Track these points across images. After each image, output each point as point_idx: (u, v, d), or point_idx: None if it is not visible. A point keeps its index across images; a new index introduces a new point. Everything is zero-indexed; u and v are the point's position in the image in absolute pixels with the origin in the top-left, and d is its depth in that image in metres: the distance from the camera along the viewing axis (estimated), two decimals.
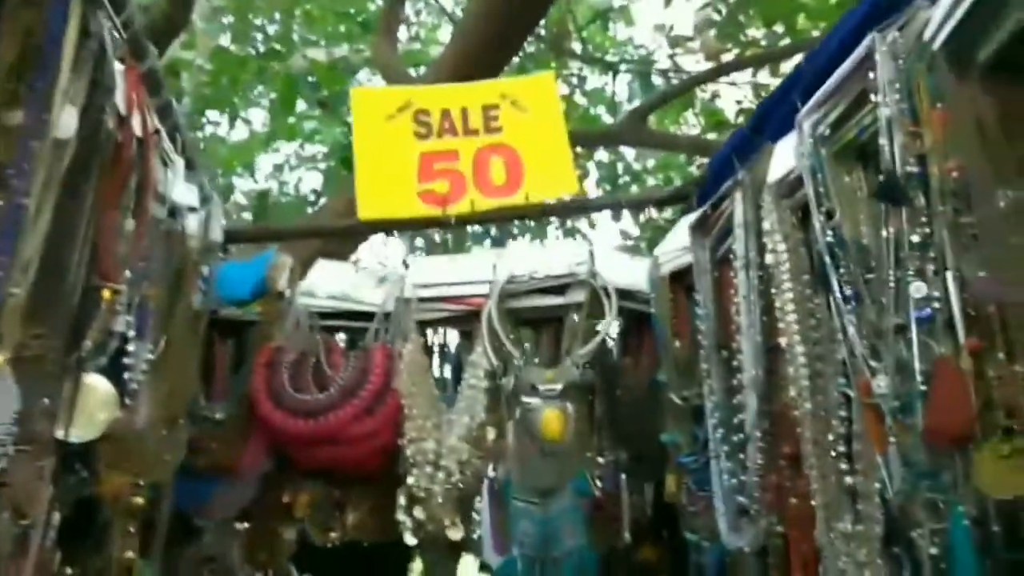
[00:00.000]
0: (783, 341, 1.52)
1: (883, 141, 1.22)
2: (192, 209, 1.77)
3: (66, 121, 1.14)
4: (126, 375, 1.40)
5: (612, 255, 2.21)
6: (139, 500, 1.53)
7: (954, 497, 1.10)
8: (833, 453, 1.40)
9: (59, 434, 1.25)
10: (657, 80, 5.68)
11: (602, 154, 6.46)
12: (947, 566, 1.09)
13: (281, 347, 2.01)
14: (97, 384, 1.30)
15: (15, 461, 1.06)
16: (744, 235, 1.68)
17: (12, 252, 1.02)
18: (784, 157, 1.64)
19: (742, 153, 1.81)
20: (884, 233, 1.24)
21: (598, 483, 1.94)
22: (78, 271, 1.25)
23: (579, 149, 5.87)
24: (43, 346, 1.14)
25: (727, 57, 4.52)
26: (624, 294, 2.09)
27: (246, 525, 2.12)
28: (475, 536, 2.83)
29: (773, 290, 1.58)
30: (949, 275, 1.14)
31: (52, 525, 1.25)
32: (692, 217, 1.96)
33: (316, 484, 2.07)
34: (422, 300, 2.12)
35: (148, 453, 1.56)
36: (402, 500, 1.93)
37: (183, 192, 1.74)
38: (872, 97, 1.29)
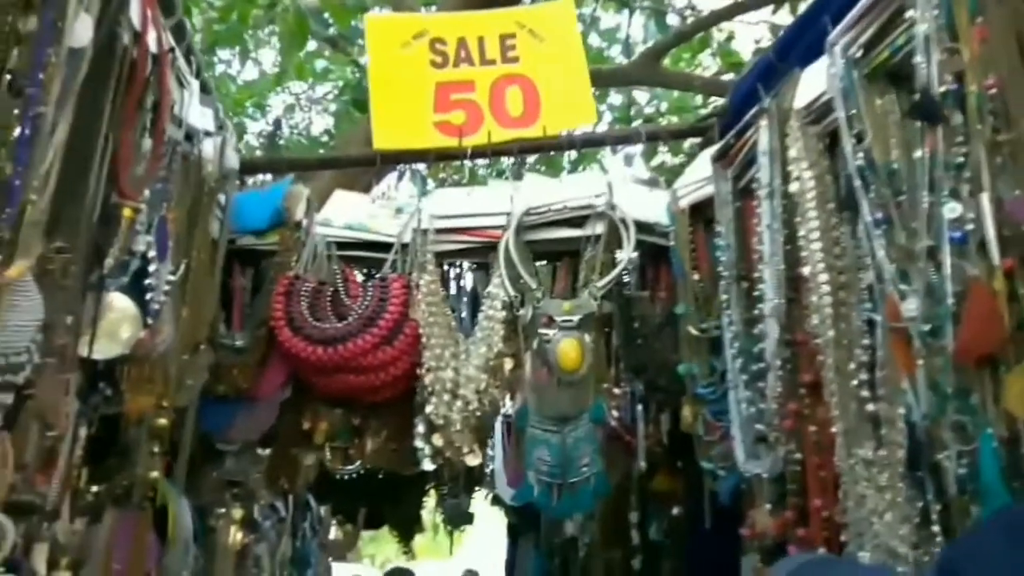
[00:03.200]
0: (807, 270, 1.50)
1: (919, 58, 1.18)
2: (208, 134, 1.75)
3: (80, 30, 1.11)
4: (148, 296, 1.40)
5: (631, 188, 2.18)
6: (163, 421, 1.55)
7: (982, 419, 1.09)
8: (855, 381, 1.39)
9: (83, 351, 1.25)
10: (673, 20, 5.53)
11: (615, 98, 6.34)
12: (974, 487, 1.09)
13: (299, 276, 2.01)
14: (120, 302, 1.30)
15: (41, 372, 1.07)
16: (769, 163, 1.65)
17: (28, 162, 1.01)
18: (811, 83, 1.60)
19: (767, 81, 1.77)
20: (918, 154, 1.21)
21: (614, 413, 1.96)
22: (97, 188, 1.24)
23: (593, 90, 5.77)
24: (65, 261, 1.14)
25: None
26: (642, 227, 2.07)
27: (267, 451, 2.15)
28: (488, 470, 2.89)
29: (798, 218, 1.55)
30: (984, 196, 1.11)
31: (79, 440, 1.26)
32: (714, 148, 1.92)
33: (335, 411, 2.10)
34: (439, 232, 2.10)
35: (171, 376, 1.58)
36: (420, 428, 1.95)
37: (198, 115, 1.72)
38: (908, 14, 1.24)
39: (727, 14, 4.61)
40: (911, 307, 1.18)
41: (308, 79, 6.77)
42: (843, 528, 1.35)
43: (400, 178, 2.23)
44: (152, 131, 1.43)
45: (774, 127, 1.67)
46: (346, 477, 2.30)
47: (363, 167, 2.51)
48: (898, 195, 1.28)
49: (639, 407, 2.00)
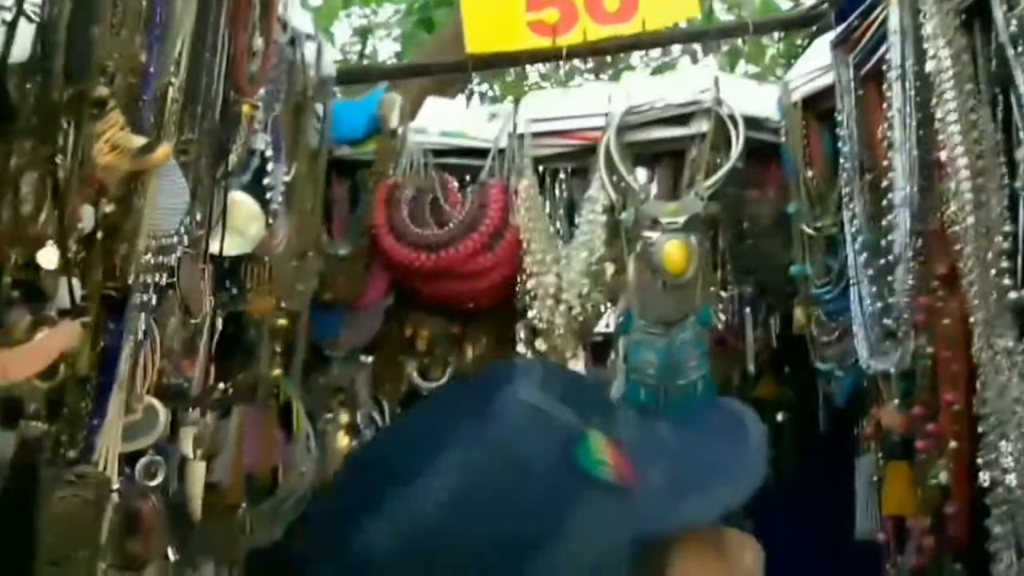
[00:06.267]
0: (944, 154, 1.41)
1: None
2: (309, 37, 1.73)
3: None
4: (267, 195, 1.41)
5: (738, 82, 2.07)
6: (283, 322, 1.59)
7: None
8: (995, 269, 1.32)
9: (214, 247, 1.28)
10: None
11: None
12: None
13: (399, 183, 2.01)
14: (244, 200, 1.32)
15: (183, 261, 1.09)
16: (901, 42, 1.54)
17: (162, 47, 1.01)
18: None
19: None
20: None
21: (721, 317, 1.92)
22: (219, 83, 1.24)
23: None
24: (194, 153, 1.15)
25: None
26: (751, 123, 1.97)
27: (371, 358, 2.20)
28: None
29: (934, 100, 1.45)
30: None
31: (215, 333, 1.30)
32: (833, 33, 1.80)
33: (437, 318, 2.12)
34: (536, 135, 2.05)
35: (286, 279, 1.61)
36: (523, 333, 1.95)
37: (300, 18, 1.70)
38: None
39: None
40: None
41: (372, 4, 6.65)
42: (979, 420, 1.30)
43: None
44: (262, 29, 1.42)
45: (905, 4, 1.55)
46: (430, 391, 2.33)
47: (452, 73, 2.46)
48: None
49: (747, 310, 1.95)
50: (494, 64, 2.13)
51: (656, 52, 6.08)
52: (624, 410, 0.97)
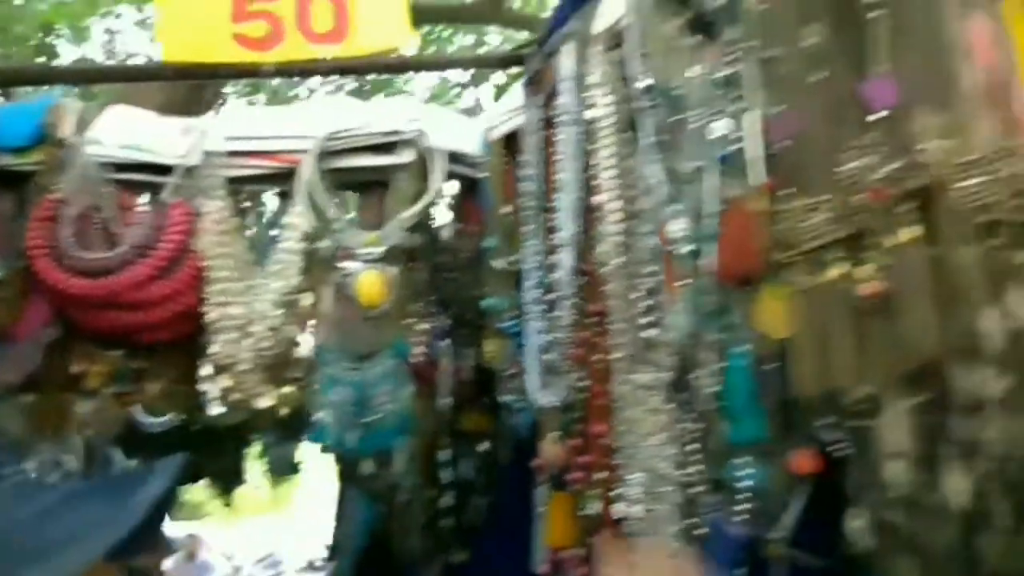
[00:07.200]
0: (598, 198, 1.48)
1: None
2: None
3: None
4: None
5: (447, 115, 2.08)
6: None
7: (736, 338, 1.10)
8: (637, 307, 1.39)
9: None
10: None
11: (467, 39, 6.20)
12: (724, 403, 1.11)
13: (63, 199, 1.78)
14: None
15: None
16: (570, 89, 1.61)
17: None
18: (612, 7, 1.56)
19: (577, 5, 1.72)
20: (694, 71, 1.19)
21: (419, 349, 1.89)
22: None
23: (442, 27, 5.60)
24: None
25: None
26: (456, 156, 1.98)
27: (31, 397, 1.92)
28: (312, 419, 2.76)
29: (594, 146, 1.52)
30: (750, 113, 1.11)
31: None
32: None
33: (111, 353, 1.89)
34: (234, 154, 1.92)
35: None
36: (206, 369, 1.80)
37: None
38: None
39: None
40: (677, 228, 1.17)
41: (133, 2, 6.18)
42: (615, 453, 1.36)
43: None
44: None
45: (576, 52, 1.62)
46: (155, 429, 2.11)
47: (169, 81, 2.24)
48: (677, 116, 1.26)
49: (445, 343, 1.94)
50: (193, 75, 1.97)
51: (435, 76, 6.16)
52: None
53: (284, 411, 1.93)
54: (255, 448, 3.34)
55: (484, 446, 2.09)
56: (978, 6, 0.87)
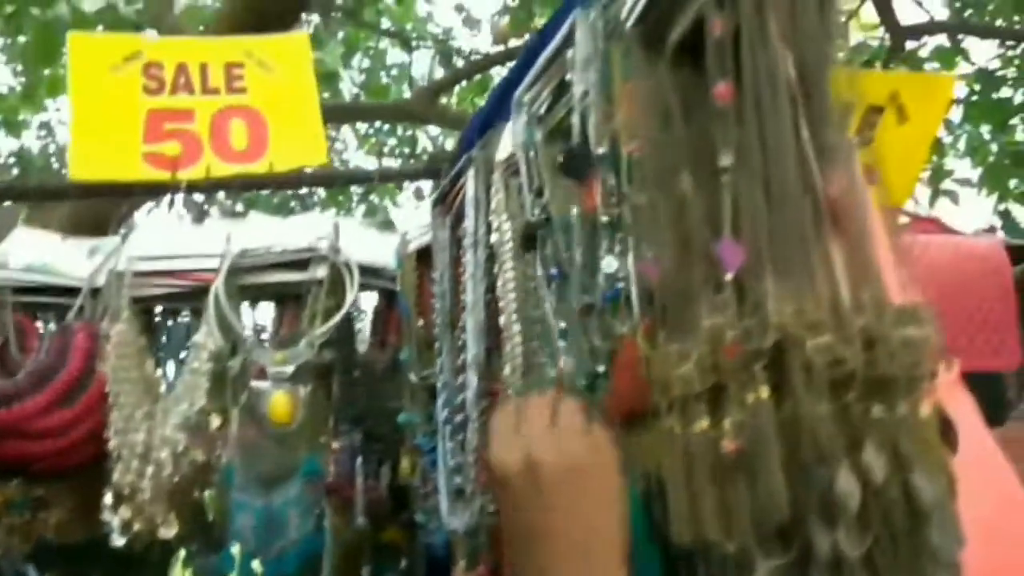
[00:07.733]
0: (502, 320, 1.50)
1: (574, 118, 1.22)
2: None
3: None
4: None
5: (362, 230, 2.11)
6: None
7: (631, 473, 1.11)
8: None
9: None
10: (460, 63, 5.63)
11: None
12: None
13: None
14: None
15: None
16: (474, 213, 1.65)
17: None
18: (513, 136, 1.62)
19: (483, 131, 1.78)
20: (574, 212, 1.24)
21: (332, 467, 1.85)
22: None
23: (378, 124, 5.73)
24: None
25: (516, 42, 4.56)
26: (371, 271, 2.01)
27: None
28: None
29: (496, 269, 1.56)
30: (630, 256, 1.15)
31: None
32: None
33: (12, 482, 1.81)
34: (143, 274, 1.90)
35: None
36: (107, 498, 1.73)
37: None
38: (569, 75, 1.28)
39: (501, 58, 4.76)
40: (569, 364, 1.20)
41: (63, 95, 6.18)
42: None
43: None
44: None
45: (480, 177, 1.68)
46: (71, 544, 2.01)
47: (73, 200, 2.24)
48: (569, 252, 1.30)
49: (359, 459, 1.91)
50: (105, 193, 1.97)
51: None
52: None
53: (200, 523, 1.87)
54: (180, 557, 3.19)
55: (403, 564, 2.04)
56: (834, 160, 0.93)
